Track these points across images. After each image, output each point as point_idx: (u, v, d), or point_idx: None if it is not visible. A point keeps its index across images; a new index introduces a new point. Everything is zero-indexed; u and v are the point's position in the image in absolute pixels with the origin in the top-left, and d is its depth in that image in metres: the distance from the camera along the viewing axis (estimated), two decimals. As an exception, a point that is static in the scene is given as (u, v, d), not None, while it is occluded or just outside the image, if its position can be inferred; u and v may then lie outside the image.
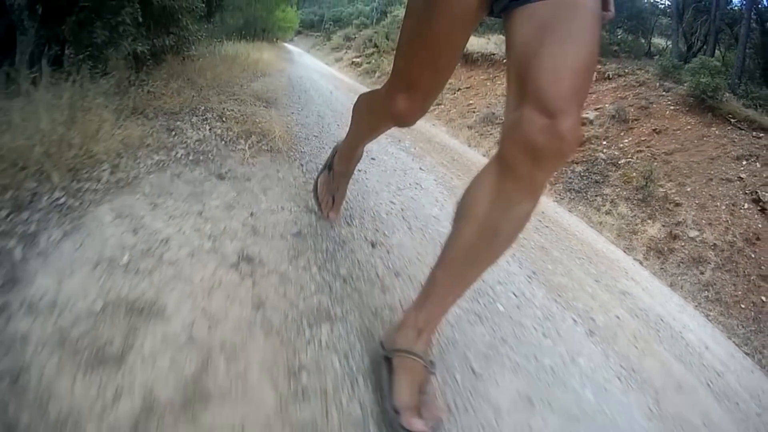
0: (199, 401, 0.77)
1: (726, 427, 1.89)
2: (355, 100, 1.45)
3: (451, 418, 0.97)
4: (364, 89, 9.05)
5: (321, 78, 8.24)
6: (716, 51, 10.52)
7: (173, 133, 2.06)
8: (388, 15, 16.62)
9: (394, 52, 1.14)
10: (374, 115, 1.30)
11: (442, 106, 9.60)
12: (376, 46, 13.50)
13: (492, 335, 1.35)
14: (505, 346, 1.33)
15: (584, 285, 2.40)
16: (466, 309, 1.41)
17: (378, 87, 1.29)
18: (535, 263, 2.27)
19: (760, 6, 10.41)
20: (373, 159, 2.90)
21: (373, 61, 12.40)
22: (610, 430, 1.25)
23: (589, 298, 2.25)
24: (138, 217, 1.26)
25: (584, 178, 6.68)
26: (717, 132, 6.86)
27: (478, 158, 5.34)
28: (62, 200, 1.28)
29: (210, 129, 2.30)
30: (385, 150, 3.40)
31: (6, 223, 1.12)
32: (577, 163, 6.96)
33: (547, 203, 4.82)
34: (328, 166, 1.59)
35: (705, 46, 10.59)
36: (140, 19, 2.11)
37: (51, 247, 1.07)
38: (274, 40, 14.39)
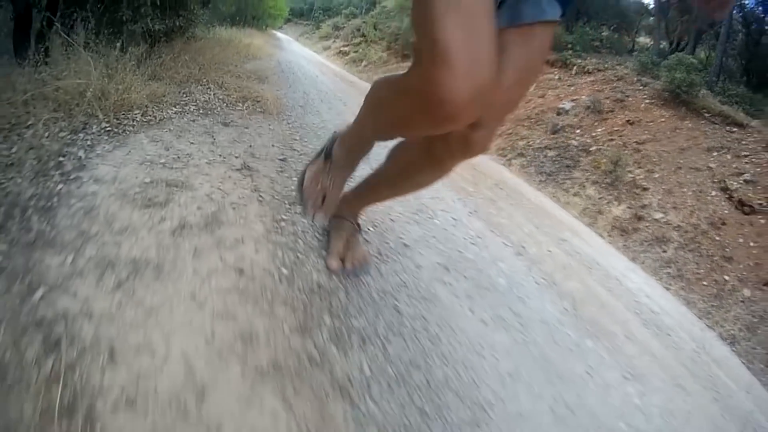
0: (215, 224, 1.25)
1: (650, 344, 2.20)
2: (372, 84, 1.20)
3: (383, 262, 1.46)
4: (349, 76, 9.47)
5: (308, 64, 8.69)
6: (701, 51, 11.01)
7: (185, 94, 2.53)
8: (377, 5, 16.87)
9: (416, 25, 0.87)
10: (403, 105, 0.95)
11: None
12: (363, 35, 13.87)
13: (425, 233, 1.83)
14: (434, 239, 1.81)
15: (522, 227, 2.86)
16: (406, 215, 1.90)
17: (395, 72, 1.27)
18: (479, 206, 2.74)
19: (746, 9, 10.98)
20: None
21: (360, 50, 12.80)
22: (516, 304, 1.69)
23: (525, 235, 2.71)
24: (167, 141, 1.74)
25: (556, 162, 6.97)
26: (690, 125, 7.17)
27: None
28: (108, 128, 1.74)
29: (214, 94, 2.77)
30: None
31: (67, 139, 1.57)
32: (549, 149, 7.37)
33: (509, 176, 5.34)
34: (325, 153, 1.36)
35: (687, 45, 11.12)
36: (158, 2, 2.58)
37: (106, 153, 1.53)
38: (264, 27, 14.65)
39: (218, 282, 1.01)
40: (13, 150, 1.35)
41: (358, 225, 1.40)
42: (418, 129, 0.98)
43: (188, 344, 0.84)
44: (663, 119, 7.37)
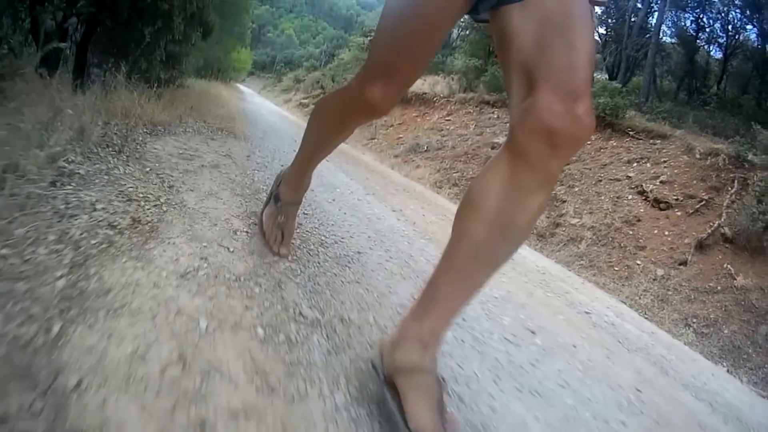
0: (217, 167, 2.81)
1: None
2: (316, 105, 1.56)
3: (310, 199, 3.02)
4: (303, 123, 11.17)
5: (269, 114, 10.57)
6: (640, 76, 12.73)
7: (184, 123, 4.12)
8: (335, 58, 18.78)
9: (371, 41, 1.22)
10: (343, 110, 1.37)
11: (375, 140, 11.45)
12: (322, 87, 15.78)
13: (330, 194, 3.41)
14: (336, 192, 3.39)
15: (409, 205, 4.40)
16: (325, 194, 3.47)
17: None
18: (377, 191, 4.31)
19: (681, 29, 12.95)
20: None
21: (319, 102, 14.50)
22: (372, 217, 3.23)
23: (407, 207, 4.24)
24: (183, 142, 3.32)
25: None
26: (614, 144, 8.13)
27: (395, 174, 7.46)
28: (148, 132, 3.29)
29: (201, 125, 4.37)
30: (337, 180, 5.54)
31: (127, 135, 3.09)
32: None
33: (422, 188, 6.90)
34: (274, 196, 1.72)
35: (628, 72, 12.90)
36: (164, 58, 4.21)
37: (153, 142, 3.08)
38: (228, 80, 16.38)
39: (220, 180, 2.56)
40: (100, 133, 2.86)
41: (442, 378, 1.05)
42: (354, 124, 1.40)
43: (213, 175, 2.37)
44: (589, 142, 8.15)
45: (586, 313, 2.92)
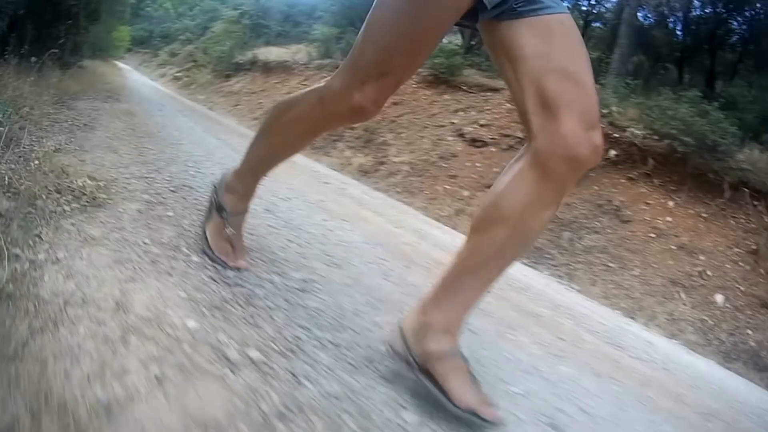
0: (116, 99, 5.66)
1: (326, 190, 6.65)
2: (272, 110, 1.51)
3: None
4: (174, 94, 14.22)
5: (143, 87, 12.95)
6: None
7: (87, 93, 6.81)
8: (207, 31, 19.39)
9: (361, 41, 1.18)
10: (314, 115, 1.32)
11: (239, 106, 12.98)
12: (194, 61, 17.23)
13: (184, 134, 6.30)
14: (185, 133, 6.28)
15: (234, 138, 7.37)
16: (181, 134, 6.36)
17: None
18: (215, 134, 7.24)
19: None
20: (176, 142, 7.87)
21: (191, 75, 16.31)
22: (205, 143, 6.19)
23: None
24: (92, 102, 6.09)
25: (326, 139, 8.65)
26: (447, 97, 8.86)
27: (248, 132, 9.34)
28: (69, 97, 6.01)
29: (98, 94, 7.06)
30: (183, 124, 8.40)
31: (63, 98, 5.81)
32: (322, 131, 10.52)
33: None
34: (216, 207, 1.58)
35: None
36: (72, 48, 6.89)
37: (77, 102, 5.83)
38: (107, 58, 16.91)
39: (118, 114, 5.41)
40: (51, 95, 5.57)
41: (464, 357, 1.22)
42: (330, 129, 1.46)
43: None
44: (425, 97, 9.19)
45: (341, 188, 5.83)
